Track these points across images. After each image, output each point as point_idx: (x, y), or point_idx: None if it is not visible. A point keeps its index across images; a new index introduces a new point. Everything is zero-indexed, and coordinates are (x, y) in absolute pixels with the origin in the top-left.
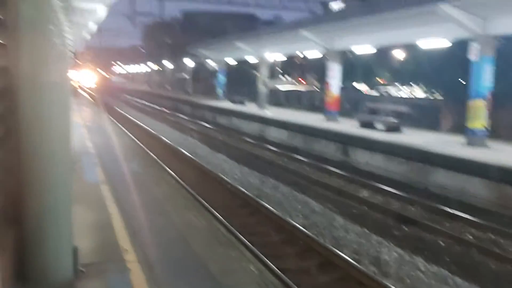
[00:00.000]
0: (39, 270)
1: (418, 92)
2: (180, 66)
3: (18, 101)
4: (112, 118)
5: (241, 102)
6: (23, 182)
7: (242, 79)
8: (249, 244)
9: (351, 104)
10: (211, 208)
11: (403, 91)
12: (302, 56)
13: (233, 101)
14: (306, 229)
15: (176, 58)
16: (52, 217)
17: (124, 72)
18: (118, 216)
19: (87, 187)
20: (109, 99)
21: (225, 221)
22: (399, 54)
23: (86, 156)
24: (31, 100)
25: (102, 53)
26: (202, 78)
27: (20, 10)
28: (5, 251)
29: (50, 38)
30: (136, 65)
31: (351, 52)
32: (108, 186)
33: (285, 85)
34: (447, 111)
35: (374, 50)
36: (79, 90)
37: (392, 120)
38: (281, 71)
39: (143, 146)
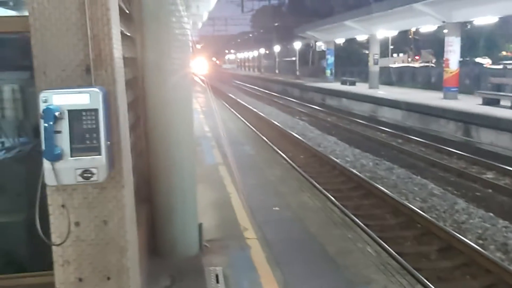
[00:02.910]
0: (168, 245)
1: None
2: (288, 49)
3: (145, 89)
4: (224, 103)
5: (352, 83)
6: (152, 164)
7: (351, 59)
8: (364, 227)
9: (471, 79)
10: (324, 190)
11: None
12: (415, 31)
13: (343, 82)
14: (424, 213)
15: (284, 41)
16: (179, 195)
17: (234, 58)
18: (236, 195)
19: (207, 168)
20: (221, 84)
21: (339, 203)
22: None
23: (204, 139)
24: (157, 88)
25: (213, 40)
26: (311, 60)
27: (144, 4)
28: (140, 226)
29: (172, 30)
30: (245, 51)
31: (471, 23)
32: (225, 167)
33: (397, 62)
34: None
35: (496, 19)
36: (195, 78)
37: None
38: (393, 48)
39: (255, 130)
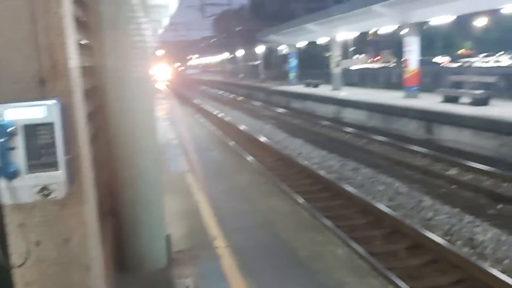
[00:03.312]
0: (135, 258)
1: (504, 60)
2: (251, 53)
3: (106, 98)
4: (189, 109)
5: (315, 85)
6: (116, 175)
7: (314, 61)
8: (335, 229)
9: (431, 78)
10: (293, 193)
11: (486, 61)
12: (374, 32)
13: (306, 85)
14: (392, 211)
15: (246, 45)
16: (145, 206)
17: (197, 63)
18: (204, 203)
19: (173, 177)
20: (185, 90)
21: (308, 206)
22: (481, 22)
23: (169, 147)
24: (118, 97)
25: (175, 46)
26: (274, 64)
27: (101, 11)
28: (105, 241)
29: (130, 37)
30: (208, 55)
31: (428, 23)
32: (192, 175)
33: (359, 63)
34: None
35: (453, 18)
36: (156, 84)
37: (479, 92)
38: (354, 50)
39: (221, 135)
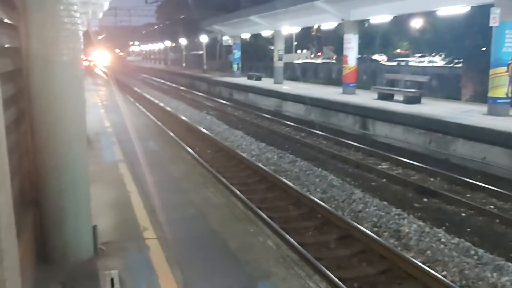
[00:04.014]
0: (59, 250)
1: (437, 61)
2: (194, 43)
3: (30, 82)
4: (128, 97)
5: (258, 78)
6: (39, 164)
7: (258, 54)
8: (268, 219)
9: (368, 75)
10: (229, 185)
11: (421, 61)
12: (317, 28)
13: (249, 77)
14: (324, 203)
15: (190, 34)
16: (70, 196)
17: (139, 50)
18: (136, 194)
19: (106, 166)
20: (125, 77)
21: (243, 197)
22: (417, 23)
23: (103, 136)
24: (43, 81)
25: (117, 32)
26: (217, 54)
27: None
28: (25, 232)
29: (59, 18)
30: (151, 43)
31: (368, 22)
32: (126, 165)
33: (301, 58)
34: (467, 79)
35: (390, 18)
36: (95, 70)
37: (411, 90)
38: (297, 44)
39: (160, 124)
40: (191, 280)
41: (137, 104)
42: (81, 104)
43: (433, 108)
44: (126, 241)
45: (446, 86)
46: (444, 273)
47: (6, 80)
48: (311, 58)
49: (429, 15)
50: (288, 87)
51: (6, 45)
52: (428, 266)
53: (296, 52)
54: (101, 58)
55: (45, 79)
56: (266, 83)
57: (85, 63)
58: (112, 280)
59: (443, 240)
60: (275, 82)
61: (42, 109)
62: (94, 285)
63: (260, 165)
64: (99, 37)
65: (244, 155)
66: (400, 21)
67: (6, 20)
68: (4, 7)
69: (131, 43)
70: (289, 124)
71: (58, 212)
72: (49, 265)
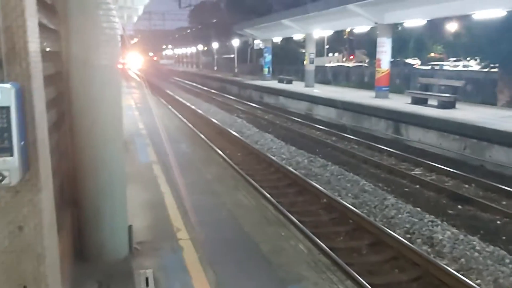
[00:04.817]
0: (96, 248)
1: (472, 65)
2: (226, 46)
3: (70, 85)
4: (161, 99)
5: (289, 81)
6: (78, 164)
7: (289, 57)
8: (299, 224)
9: (402, 79)
10: (260, 188)
11: (456, 65)
12: (349, 31)
13: (280, 80)
14: (356, 208)
15: (222, 38)
16: (107, 196)
17: (172, 54)
18: (170, 195)
19: (140, 167)
20: (157, 80)
21: (274, 200)
22: (452, 27)
23: (138, 137)
24: (82, 84)
25: (150, 35)
26: (248, 58)
27: None
28: (63, 231)
29: (99, 23)
30: (183, 47)
31: (401, 25)
32: (159, 166)
33: (333, 61)
34: (503, 84)
35: (424, 22)
36: (129, 73)
37: (446, 95)
38: (329, 48)
39: (192, 127)
40: (224, 282)
41: (169, 107)
42: (118, 107)
43: (468, 113)
44: (160, 241)
45: (481, 91)
46: (478, 281)
47: (47, 83)
48: (343, 62)
49: (464, 18)
50: (319, 90)
51: (48, 49)
52: (462, 274)
53: (327, 55)
54: (134, 61)
55: (84, 82)
56: (297, 86)
57: (119, 66)
58: (146, 279)
59: (477, 248)
60: (306, 86)
61: (81, 111)
62: (129, 283)
63: (290, 168)
64: (133, 41)
65: (274, 158)
66: (434, 25)
67: (47, 25)
68: (46, 12)
69: (164, 46)
70: (320, 128)
71: (95, 212)
72: (85, 263)
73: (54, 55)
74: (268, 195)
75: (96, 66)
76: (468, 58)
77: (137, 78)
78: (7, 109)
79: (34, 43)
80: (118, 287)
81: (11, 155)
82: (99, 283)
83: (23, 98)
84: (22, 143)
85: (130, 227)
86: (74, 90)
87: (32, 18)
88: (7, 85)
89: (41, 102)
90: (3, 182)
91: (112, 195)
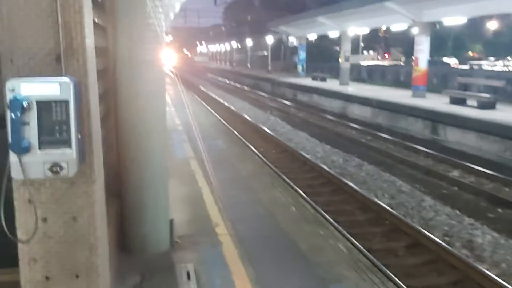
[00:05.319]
0: (138, 241)
1: None
2: (260, 44)
3: (117, 81)
4: (195, 96)
5: (323, 79)
6: (123, 158)
7: (323, 55)
8: (335, 224)
9: (439, 79)
10: (295, 186)
11: (495, 64)
12: (385, 29)
13: (314, 78)
14: (393, 209)
15: (256, 35)
16: (150, 189)
17: (206, 51)
18: (207, 190)
19: (178, 162)
20: (192, 77)
21: (310, 199)
22: (492, 25)
23: (175, 133)
24: (129, 80)
25: (185, 32)
26: (282, 55)
27: None
28: (110, 222)
29: (146, 20)
30: (217, 44)
31: (440, 24)
32: (196, 162)
33: (367, 59)
34: None
35: (465, 20)
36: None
37: (486, 95)
38: (364, 46)
39: (226, 124)
40: (263, 278)
41: (204, 104)
42: (162, 102)
43: (510, 114)
44: (199, 236)
45: None
46: None
47: (97, 79)
48: (378, 60)
49: (506, 17)
50: (353, 88)
51: (97, 45)
52: (503, 280)
53: (362, 53)
54: (169, 58)
55: (130, 78)
56: (331, 84)
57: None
58: (188, 272)
59: None
60: (341, 84)
61: (126, 105)
62: (171, 276)
63: (325, 167)
64: (169, 38)
65: (308, 156)
66: (473, 23)
67: (97, 21)
68: (94, 9)
69: (198, 44)
70: (355, 127)
71: (138, 204)
72: (128, 255)
73: (102, 51)
74: (303, 194)
75: (141, 62)
76: (509, 58)
77: (172, 75)
78: (66, 102)
79: (90, 39)
80: (160, 280)
81: (70, 147)
82: (142, 275)
83: (80, 92)
84: (79, 136)
85: (171, 221)
86: (120, 86)
87: (88, 14)
88: (67, 79)
89: (95, 97)
90: (61, 174)
91: (155, 188)
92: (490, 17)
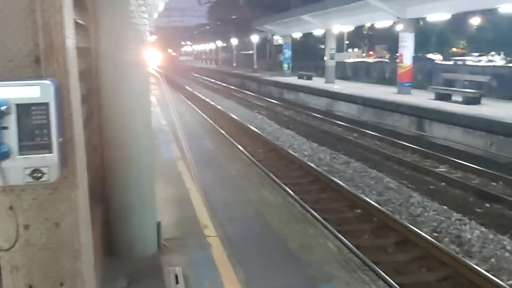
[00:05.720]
0: (125, 244)
1: (497, 60)
2: (245, 42)
3: (99, 81)
4: (181, 96)
5: (308, 77)
6: (108, 160)
7: (308, 53)
8: (324, 222)
9: (424, 75)
10: (283, 185)
11: (479, 60)
12: (370, 26)
13: (299, 76)
14: (381, 206)
15: (241, 34)
16: (136, 192)
17: (191, 50)
18: (195, 191)
19: (164, 163)
20: (177, 77)
21: (298, 197)
22: (475, 21)
23: (161, 134)
24: (112, 80)
25: (169, 32)
26: (268, 54)
27: None
28: (95, 226)
29: (129, 18)
30: (202, 43)
31: (424, 20)
32: (183, 162)
33: (352, 57)
34: None
35: (449, 16)
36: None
37: (471, 91)
38: (348, 43)
39: (213, 123)
40: (253, 280)
41: (190, 103)
42: (147, 103)
43: (494, 109)
44: (188, 238)
45: (506, 87)
46: (510, 282)
47: (79, 80)
48: (363, 57)
49: (489, 12)
50: (339, 86)
51: (79, 45)
52: (492, 275)
53: (347, 51)
54: (154, 57)
55: (113, 78)
56: (317, 82)
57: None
58: (176, 276)
59: (508, 247)
60: (326, 82)
61: (110, 107)
62: (159, 280)
63: (312, 165)
64: (152, 37)
65: (296, 155)
66: (456, 19)
67: (78, 21)
68: (75, 8)
69: (183, 43)
70: (341, 124)
71: (124, 208)
72: (115, 259)
73: (84, 51)
74: (292, 192)
75: (125, 61)
76: (493, 53)
77: (157, 75)
78: (46, 105)
79: (70, 39)
80: (148, 284)
81: (51, 152)
82: (129, 279)
83: (61, 94)
84: (60, 139)
85: (158, 224)
86: (104, 87)
87: (69, 14)
88: (47, 81)
89: (77, 98)
90: (42, 179)
91: (141, 190)
92: (473, 13)
